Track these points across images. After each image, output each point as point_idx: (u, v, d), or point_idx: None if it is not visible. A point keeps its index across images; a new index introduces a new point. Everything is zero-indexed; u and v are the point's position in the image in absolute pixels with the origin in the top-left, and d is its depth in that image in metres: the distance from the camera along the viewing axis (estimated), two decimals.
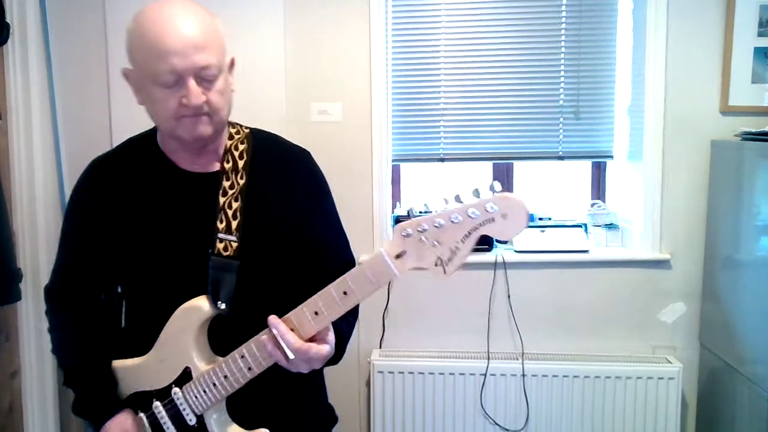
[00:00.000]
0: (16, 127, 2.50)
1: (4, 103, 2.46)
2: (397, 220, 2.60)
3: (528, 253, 2.61)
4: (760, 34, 2.47)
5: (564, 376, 2.51)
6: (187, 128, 1.16)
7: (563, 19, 2.61)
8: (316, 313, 1.10)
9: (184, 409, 1.22)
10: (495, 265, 2.59)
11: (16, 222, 2.49)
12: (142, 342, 1.26)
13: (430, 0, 2.62)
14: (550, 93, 2.64)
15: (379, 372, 2.55)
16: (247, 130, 1.31)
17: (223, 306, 1.19)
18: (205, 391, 1.20)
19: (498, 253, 2.58)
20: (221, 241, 1.21)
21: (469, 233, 0.98)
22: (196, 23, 1.14)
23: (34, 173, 2.56)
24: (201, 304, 1.20)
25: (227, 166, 1.25)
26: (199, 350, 1.21)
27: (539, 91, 2.64)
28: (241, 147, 1.27)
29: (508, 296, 2.61)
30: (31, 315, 2.57)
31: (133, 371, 1.28)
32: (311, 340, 1.12)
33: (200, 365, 1.21)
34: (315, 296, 1.10)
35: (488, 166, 2.83)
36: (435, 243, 0.99)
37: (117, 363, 1.30)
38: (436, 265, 1.01)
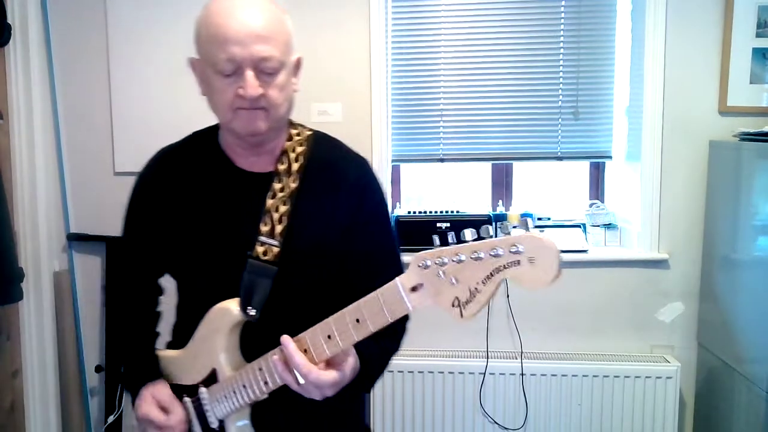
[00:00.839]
0: (18, 127, 2.51)
1: (6, 103, 2.47)
2: (397, 220, 2.61)
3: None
4: (758, 35, 2.47)
5: (563, 375, 2.52)
6: (243, 121, 1.13)
7: (562, 20, 2.62)
8: (329, 337, 1.04)
9: (207, 411, 1.21)
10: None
11: (18, 222, 2.50)
12: (184, 336, 1.27)
13: (430, 0, 2.63)
14: (549, 93, 2.65)
15: None
16: (309, 132, 1.27)
17: (252, 312, 1.16)
18: (226, 397, 1.18)
19: None
20: (262, 244, 1.17)
21: (491, 275, 0.86)
22: (262, 14, 1.12)
23: (35, 173, 2.57)
24: (231, 307, 1.17)
25: (281, 167, 1.21)
26: (227, 354, 1.19)
27: (538, 91, 2.65)
28: (299, 149, 1.23)
29: (507, 296, 2.62)
30: (33, 314, 2.58)
31: (171, 362, 1.29)
32: (329, 364, 1.07)
33: (226, 369, 1.18)
34: (330, 318, 1.04)
35: (487, 166, 2.85)
36: (454, 280, 0.88)
37: (160, 352, 1.32)
38: (453, 305, 0.89)
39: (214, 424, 1.21)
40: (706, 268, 2.57)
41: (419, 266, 0.92)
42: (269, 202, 1.19)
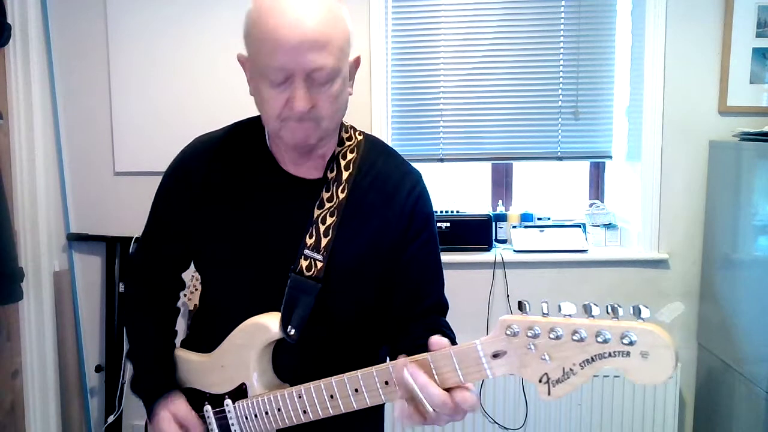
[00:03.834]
0: (18, 127, 2.50)
1: (6, 103, 2.47)
2: None
3: (527, 253, 2.62)
4: (758, 35, 2.47)
5: None
6: (291, 132, 1.05)
7: (562, 20, 2.62)
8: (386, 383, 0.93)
9: (233, 424, 1.15)
10: (494, 265, 2.60)
11: (18, 222, 2.50)
12: (207, 337, 1.20)
13: (430, 0, 2.63)
14: (549, 93, 2.65)
15: None
16: (360, 137, 1.18)
17: (292, 332, 1.08)
18: (256, 416, 1.11)
19: (497, 253, 2.59)
20: (306, 258, 1.09)
21: (592, 360, 0.76)
22: (318, 14, 0.99)
23: (35, 173, 2.57)
24: (270, 324, 1.09)
25: (331, 175, 1.12)
26: (259, 370, 1.12)
27: (538, 91, 2.65)
28: (350, 156, 1.14)
29: (507, 296, 2.62)
30: (33, 314, 2.58)
31: (193, 366, 1.22)
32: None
33: (257, 386, 1.12)
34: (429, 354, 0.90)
35: (487, 166, 2.85)
36: (546, 357, 0.79)
37: (180, 352, 1.25)
38: (540, 381, 0.80)
39: None
40: (706, 268, 2.57)
41: (507, 334, 0.82)
42: (316, 212, 1.10)
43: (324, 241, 1.09)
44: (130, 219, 2.68)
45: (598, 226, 2.73)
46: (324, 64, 0.99)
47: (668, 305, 2.64)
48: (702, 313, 2.59)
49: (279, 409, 1.08)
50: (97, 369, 2.76)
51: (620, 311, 0.76)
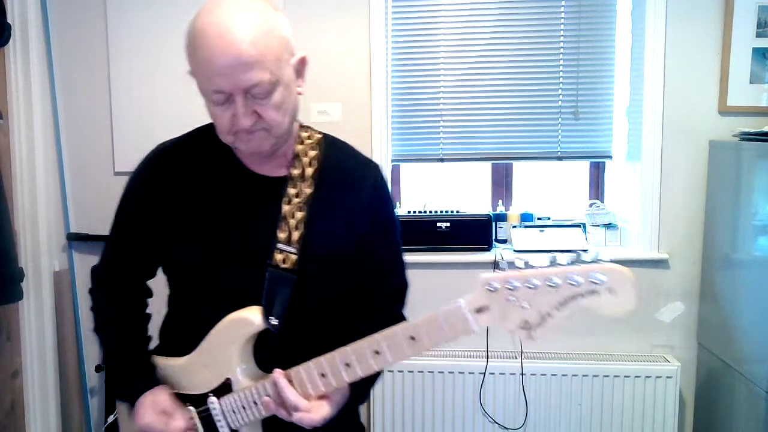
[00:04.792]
0: (18, 127, 2.51)
1: (6, 103, 2.47)
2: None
3: (527, 253, 2.62)
4: (758, 35, 2.47)
5: (562, 375, 2.52)
6: (245, 143, 1.10)
7: (562, 20, 2.62)
8: (377, 352, 1.03)
9: (218, 421, 1.18)
10: (494, 265, 2.60)
11: (18, 222, 2.50)
12: (181, 341, 1.23)
13: (430, 1, 2.63)
14: (549, 93, 2.65)
15: None
16: (319, 135, 1.24)
17: (275, 322, 1.13)
18: (244, 408, 1.16)
19: (497, 253, 2.59)
20: (280, 252, 1.14)
21: (566, 301, 0.87)
22: (248, 34, 1.01)
23: (35, 173, 2.57)
24: (252, 317, 1.13)
25: (295, 172, 1.18)
26: (243, 363, 1.16)
27: (538, 91, 2.65)
28: (312, 153, 1.20)
29: None
30: (33, 314, 2.58)
31: (171, 371, 1.24)
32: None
33: (242, 379, 1.16)
34: (378, 335, 1.03)
35: (487, 166, 2.85)
36: (526, 305, 0.89)
37: (157, 359, 1.26)
38: (521, 327, 0.91)
39: None
40: (706, 268, 2.57)
41: (487, 289, 0.91)
42: (285, 207, 1.15)
43: (296, 235, 1.14)
44: None
45: (598, 226, 2.73)
46: (260, 79, 1.03)
47: (668, 305, 2.64)
48: (702, 313, 2.60)
49: (261, 398, 1.13)
50: (97, 369, 2.76)
51: (583, 256, 0.88)
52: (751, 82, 2.49)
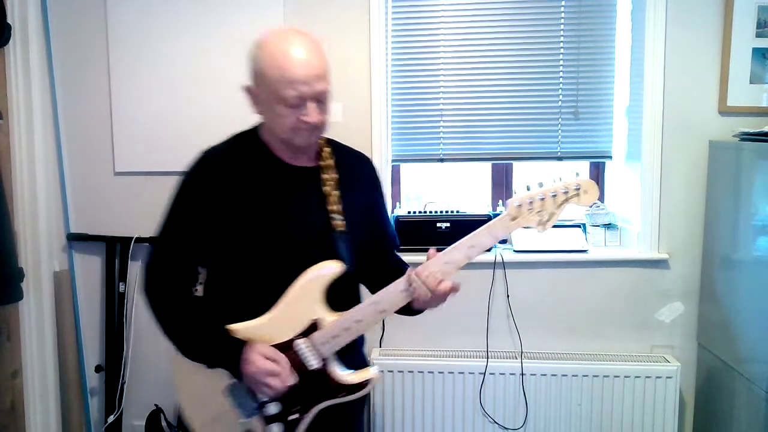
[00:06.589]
0: (18, 127, 2.51)
1: (6, 103, 2.47)
2: (397, 220, 2.62)
3: (527, 253, 2.62)
4: (758, 35, 2.47)
5: (562, 375, 2.53)
6: (303, 138, 1.45)
7: (562, 20, 2.62)
8: (446, 262, 1.45)
9: (308, 356, 1.45)
10: (494, 265, 2.60)
11: (18, 222, 2.50)
12: (246, 310, 1.47)
13: (430, 1, 2.63)
14: (549, 94, 2.65)
15: (379, 371, 2.56)
16: (323, 137, 1.59)
17: (351, 269, 1.50)
18: (334, 336, 1.45)
19: (497, 253, 2.59)
20: (334, 219, 1.50)
21: (562, 203, 1.41)
22: (317, 55, 1.42)
23: (35, 173, 2.57)
24: (334, 265, 1.45)
25: (323, 163, 1.55)
26: (324, 306, 1.47)
27: (538, 91, 2.65)
28: (326, 149, 1.57)
29: (507, 296, 2.62)
30: (33, 314, 2.58)
31: (253, 331, 1.46)
32: None
33: (326, 317, 1.46)
34: (450, 248, 1.45)
35: (487, 166, 2.85)
36: (539, 210, 1.42)
37: (235, 326, 1.47)
38: (538, 224, 1.42)
39: (314, 366, 1.46)
40: (706, 268, 2.57)
41: (516, 206, 1.42)
42: (325, 188, 1.52)
43: (338, 207, 1.52)
44: (130, 219, 2.68)
45: (598, 226, 2.73)
46: (326, 88, 1.43)
47: (668, 305, 2.64)
48: (702, 312, 2.60)
49: (359, 321, 1.46)
50: (97, 369, 2.76)
51: (564, 177, 1.42)
52: (751, 83, 2.50)
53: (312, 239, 1.50)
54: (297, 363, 1.46)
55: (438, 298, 1.45)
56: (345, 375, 1.50)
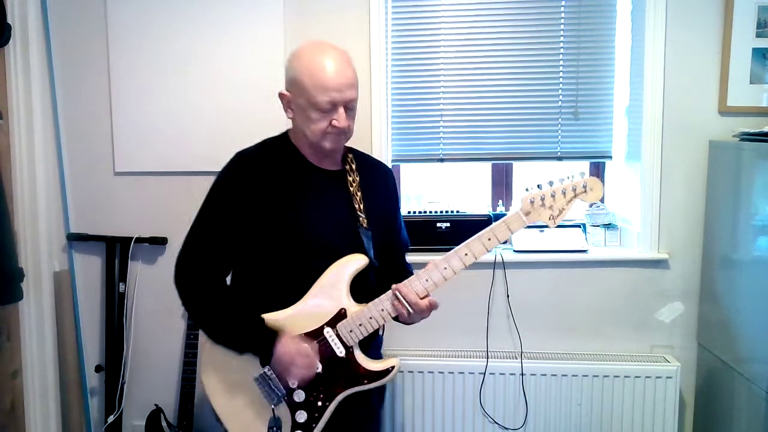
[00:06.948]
0: (18, 128, 2.51)
1: (6, 103, 2.48)
2: None
3: (527, 253, 2.62)
4: (758, 35, 2.47)
5: (562, 375, 2.53)
6: (332, 142, 1.61)
7: (562, 20, 2.62)
8: (466, 254, 1.63)
9: (335, 343, 1.60)
10: (494, 265, 2.60)
11: (18, 222, 2.51)
12: (275, 302, 1.61)
13: (430, 1, 2.63)
14: (549, 94, 2.65)
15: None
16: (346, 146, 1.76)
17: (376, 263, 1.69)
18: (360, 324, 1.60)
19: (497, 253, 2.59)
20: (360, 218, 1.67)
21: (571, 200, 1.58)
22: (348, 65, 1.58)
23: (35, 173, 2.57)
24: (360, 258, 1.62)
25: (347, 167, 1.72)
26: (350, 295, 1.61)
27: (538, 91, 2.65)
28: (349, 155, 1.75)
29: (507, 296, 2.62)
30: (33, 314, 2.58)
31: (283, 321, 1.59)
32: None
33: (352, 306, 1.61)
34: (463, 245, 1.62)
35: (487, 166, 2.85)
36: (550, 205, 1.58)
37: (267, 315, 1.60)
38: (549, 219, 1.57)
39: (342, 353, 1.60)
40: (706, 268, 2.57)
41: (530, 202, 1.58)
42: (351, 189, 1.69)
43: (362, 206, 1.69)
44: (130, 219, 2.68)
45: (598, 226, 2.73)
46: (355, 96, 1.60)
47: (668, 305, 2.64)
48: (702, 312, 2.60)
49: (382, 309, 1.61)
50: (97, 369, 2.76)
51: (573, 175, 1.60)
52: (751, 83, 2.50)
53: (339, 234, 1.64)
54: (324, 350, 1.58)
55: (419, 312, 1.60)
56: (369, 363, 1.61)
